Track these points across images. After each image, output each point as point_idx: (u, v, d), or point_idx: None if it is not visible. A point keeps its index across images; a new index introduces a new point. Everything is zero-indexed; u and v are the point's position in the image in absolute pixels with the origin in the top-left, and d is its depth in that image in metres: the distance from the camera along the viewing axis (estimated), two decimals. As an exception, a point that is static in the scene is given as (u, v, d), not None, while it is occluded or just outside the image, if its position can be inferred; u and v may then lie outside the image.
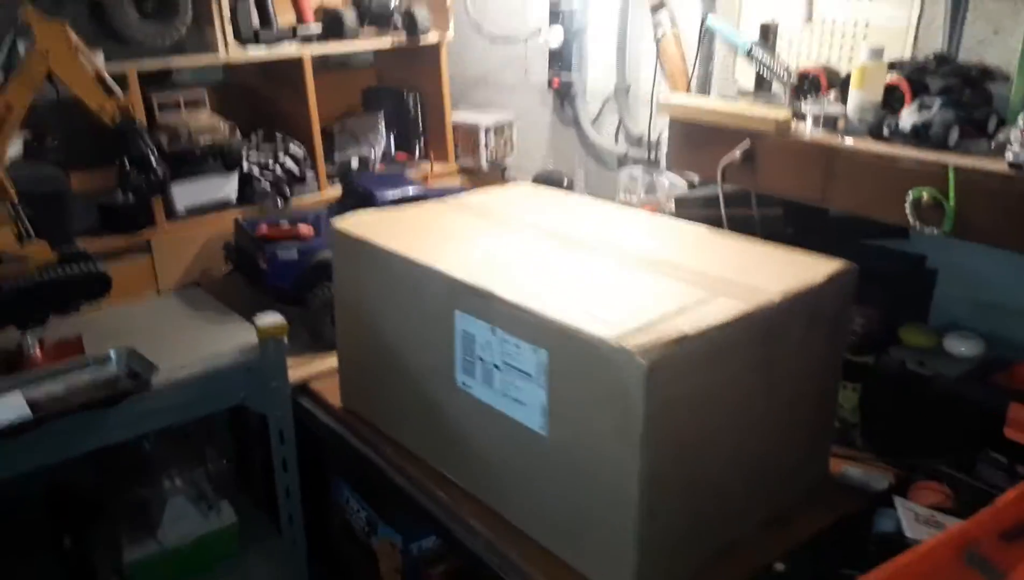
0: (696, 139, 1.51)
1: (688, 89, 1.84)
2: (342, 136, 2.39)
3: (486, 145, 2.31)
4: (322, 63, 2.43)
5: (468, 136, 2.34)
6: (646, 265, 1.23)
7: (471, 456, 1.29)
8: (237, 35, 1.90)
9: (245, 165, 1.97)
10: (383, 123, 2.36)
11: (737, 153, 1.42)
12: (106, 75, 1.54)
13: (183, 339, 1.67)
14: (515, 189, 1.74)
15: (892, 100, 1.35)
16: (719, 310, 1.05)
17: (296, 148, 2.06)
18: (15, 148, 1.74)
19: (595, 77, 2.14)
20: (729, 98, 1.73)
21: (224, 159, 1.86)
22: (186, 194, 1.87)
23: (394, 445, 1.48)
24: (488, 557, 1.23)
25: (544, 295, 1.12)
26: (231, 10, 1.88)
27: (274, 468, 1.65)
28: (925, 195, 1.15)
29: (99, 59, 1.68)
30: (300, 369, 1.73)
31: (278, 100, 2.17)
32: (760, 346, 1.08)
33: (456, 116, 2.37)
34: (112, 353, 1.47)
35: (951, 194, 1.13)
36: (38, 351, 1.52)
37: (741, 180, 1.44)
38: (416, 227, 1.47)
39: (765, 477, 1.19)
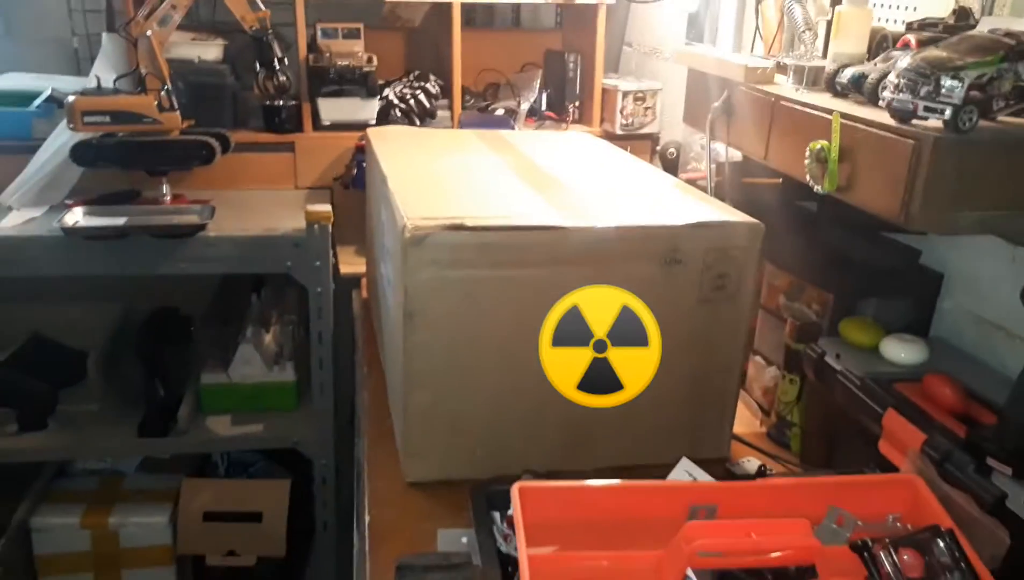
0: (701, 93, 1.44)
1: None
2: (504, 88, 2.58)
3: (622, 110, 2.33)
4: (508, 22, 2.68)
5: (610, 101, 2.38)
6: (550, 190, 1.25)
7: (386, 355, 1.41)
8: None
9: (387, 93, 2.26)
10: (538, 81, 2.50)
11: (717, 105, 1.34)
12: (254, -7, 1.91)
13: (275, 217, 1.99)
14: (565, 136, 1.80)
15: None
16: (531, 219, 1.06)
17: (431, 86, 2.30)
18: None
19: (724, 46, 2.05)
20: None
21: (361, 83, 2.16)
22: (330, 109, 2.21)
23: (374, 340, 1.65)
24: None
25: (421, 191, 1.21)
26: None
27: (310, 340, 1.92)
28: (820, 149, 1.01)
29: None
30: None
31: (446, 48, 2.42)
32: (570, 265, 1.05)
33: (606, 82, 2.42)
34: (198, 208, 1.85)
35: (833, 147, 0.98)
36: (169, 199, 1.96)
37: (722, 136, 1.35)
38: (426, 143, 1.62)
39: (601, 420, 1.15)
